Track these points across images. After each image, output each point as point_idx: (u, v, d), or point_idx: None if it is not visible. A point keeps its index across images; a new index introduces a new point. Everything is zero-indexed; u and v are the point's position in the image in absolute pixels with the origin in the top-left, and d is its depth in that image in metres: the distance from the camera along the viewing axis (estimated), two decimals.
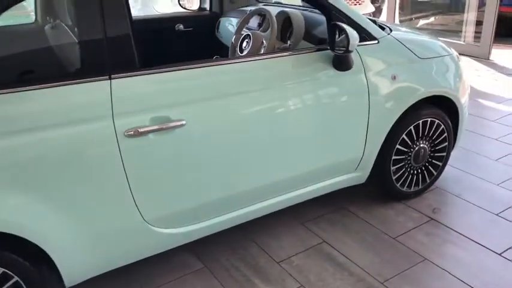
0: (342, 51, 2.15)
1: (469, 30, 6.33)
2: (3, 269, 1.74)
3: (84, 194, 1.82)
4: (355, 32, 2.15)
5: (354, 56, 2.34)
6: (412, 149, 2.74)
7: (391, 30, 2.65)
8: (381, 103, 2.48)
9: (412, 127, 2.68)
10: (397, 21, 7.43)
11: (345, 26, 2.13)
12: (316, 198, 2.61)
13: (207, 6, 3.56)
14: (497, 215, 2.73)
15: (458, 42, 6.34)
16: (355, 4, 7.02)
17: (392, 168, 2.73)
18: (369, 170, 2.65)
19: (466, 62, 5.79)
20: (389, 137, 2.61)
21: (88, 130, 1.78)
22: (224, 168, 2.13)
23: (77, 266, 1.93)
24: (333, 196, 2.78)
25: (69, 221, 1.81)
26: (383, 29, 2.67)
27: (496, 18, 5.64)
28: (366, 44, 2.42)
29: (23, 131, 1.67)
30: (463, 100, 2.83)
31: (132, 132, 1.84)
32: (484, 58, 5.91)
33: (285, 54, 2.28)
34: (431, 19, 7.79)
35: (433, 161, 2.90)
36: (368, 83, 2.40)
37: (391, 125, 2.56)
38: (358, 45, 2.36)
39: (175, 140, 1.95)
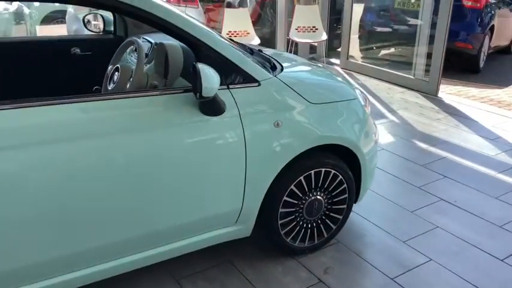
0: (197, 96, 1.90)
1: (419, 63, 6.19)
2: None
3: None
4: (215, 74, 1.90)
5: (227, 99, 2.09)
6: (303, 201, 2.49)
7: (282, 70, 2.42)
8: (261, 152, 2.22)
9: (302, 178, 2.42)
10: (355, 49, 7.28)
11: (201, 67, 1.87)
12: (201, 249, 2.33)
13: (112, 29, 3.29)
14: (393, 279, 2.47)
15: (408, 76, 6.18)
16: (309, 32, 6.82)
17: (281, 221, 2.46)
18: (252, 223, 2.38)
19: (412, 98, 5.64)
20: (274, 187, 2.34)
21: None
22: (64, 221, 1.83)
23: None
24: (220, 247, 2.50)
25: None
26: (274, 68, 2.44)
27: (443, 53, 5.49)
28: (243, 87, 2.17)
29: None
30: (366, 149, 2.59)
31: None
32: (431, 94, 5.75)
33: (144, 94, 2.01)
34: (390, 50, 7.67)
35: (331, 213, 2.65)
36: (244, 130, 2.14)
37: (274, 176, 2.30)
38: (234, 88, 2.13)
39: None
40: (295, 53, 7.11)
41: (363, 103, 2.66)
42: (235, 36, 6.33)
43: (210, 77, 1.87)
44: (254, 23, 7.91)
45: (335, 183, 2.56)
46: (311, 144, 2.35)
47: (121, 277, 2.27)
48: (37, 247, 1.81)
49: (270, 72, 2.33)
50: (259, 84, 2.21)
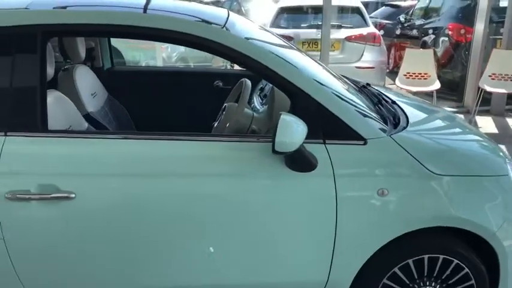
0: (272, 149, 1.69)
1: None
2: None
3: None
4: (298, 128, 1.68)
5: (321, 155, 1.84)
6: None
7: (405, 128, 2.04)
8: (357, 222, 1.89)
9: (410, 261, 1.99)
10: None
11: (283, 118, 1.67)
12: None
13: None
14: None
15: None
16: (419, 79, 5.86)
17: None
18: None
19: None
20: (371, 264, 1.97)
21: None
22: (122, 262, 1.85)
23: None
24: None
25: None
26: (397, 124, 2.07)
27: None
28: (343, 144, 1.88)
29: None
30: (508, 242, 2.00)
31: (10, 196, 1.70)
32: None
33: (231, 139, 1.91)
34: None
35: None
36: (337, 194, 1.85)
37: (371, 252, 1.93)
38: (331, 144, 1.86)
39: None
40: (487, 104, 6.20)
41: None
42: (413, 78, 5.83)
43: (287, 130, 1.66)
44: (444, 65, 7.23)
45: (458, 276, 2.04)
46: (424, 223, 1.92)
47: None
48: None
49: (385, 128, 1.98)
50: (365, 143, 1.88)
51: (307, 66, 2.13)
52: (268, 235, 1.89)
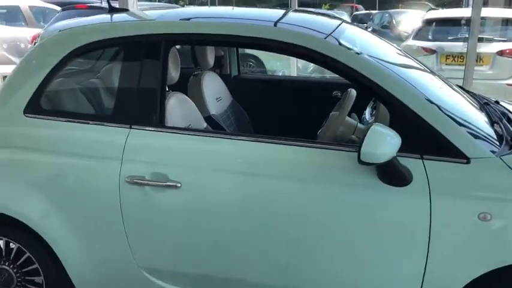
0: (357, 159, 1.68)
1: None
2: None
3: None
4: (389, 139, 1.65)
5: (417, 171, 1.78)
6: None
7: (509, 144, 1.86)
8: (453, 247, 1.78)
9: None
10: None
11: (373, 128, 1.65)
12: None
13: None
14: None
15: None
16: None
17: None
18: None
19: None
20: None
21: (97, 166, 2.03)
22: (220, 247, 2.00)
23: None
24: None
25: None
26: (501, 141, 1.90)
27: None
28: (443, 161, 1.78)
29: None
30: None
31: (129, 180, 1.98)
32: None
33: (325, 146, 1.94)
34: None
35: None
36: (431, 213, 1.76)
37: (464, 284, 1.79)
38: (429, 160, 1.79)
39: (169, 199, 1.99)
40: None
41: None
42: None
43: (376, 141, 1.64)
44: None
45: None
46: None
47: None
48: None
49: (495, 149, 1.83)
50: (468, 162, 1.76)
51: (415, 77, 2.06)
52: (357, 248, 1.87)
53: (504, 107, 2.44)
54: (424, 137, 1.80)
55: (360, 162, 1.67)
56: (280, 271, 1.97)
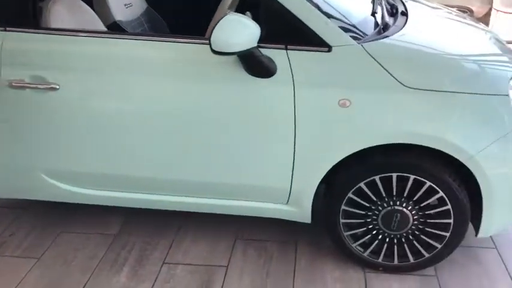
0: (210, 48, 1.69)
1: None
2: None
3: None
4: (241, 28, 1.66)
5: (282, 61, 1.81)
6: (379, 207, 1.98)
7: (378, 32, 1.91)
8: (316, 132, 1.86)
9: (377, 178, 1.92)
10: None
11: (227, 17, 1.65)
12: (282, 223, 2.20)
13: None
14: None
15: None
16: None
17: (344, 220, 2.05)
18: (308, 209, 2.05)
19: None
20: (337, 178, 1.96)
21: None
22: (104, 146, 2.06)
23: None
24: (298, 227, 2.31)
25: None
26: (382, 31, 1.93)
27: None
28: (305, 50, 1.81)
29: None
30: (496, 168, 1.81)
31: (7, 84, 1.99)
32: None
33: (197, 41, 1.93)
34: None
35: (425, 237, 2.02)
36: (296, 102, 1.83)
37: (331, 163, 1.90)
38: (293, 50, 1.81)
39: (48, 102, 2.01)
40: None
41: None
42: None
43: (228, 30, 1.64)
44: None
45: (432, 199, 1.92)
46: (389, 139, 1.82)
47: (191, 224, 2.46)
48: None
49: (360, 36, 1.85)
50: (329, 50, 1.80)
51: None
52: (228, 138, 1.94)
53: (400, 1, 2.45)
54: (287, 27, 1.81)
55: (213, 52, 1.68)
56: (162, 164, 2.06)
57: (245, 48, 1.69)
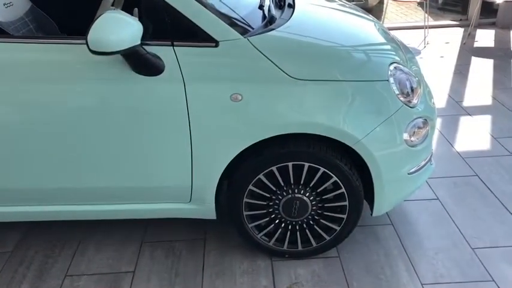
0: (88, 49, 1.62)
1: None
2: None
3: None
4: (127, 24, 1.60)
5: (169, 58, 1.78)
6: (279, 197, 2.02)
7: (265, 25, 1.94)
8: (211, 128, 1.85)
9: (274, 168, 1.96)
10: None
11: (105, 14, 1.58)
12: (189, 221, 2.18)
13: None
14: None
15: None
16: None
17: (247, 212, 2.07)
18: (212, 205, 2.05)
19: None
20: (236, 172, 1.97)
21: None
22: None
23: None
24: (205, 225, 2.30)
25: None
26: (269, 23, 1.96)
27: None
28: (192, 46, 1.80)
29: None
30: (381, 149, 1.92)
31: None
32: None
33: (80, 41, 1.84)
34: None
35: (324, 221, 2.10)
36: (187, 99, 1.81)
37: (228, 158, 1.91)
38: (180, 46, 1.79)
39: None
40: (494, 16, 5.66)
41: (396, 90, 1.93)
42: None
43: (106, 28, 1.58)
44: None
45: (326, 184, 2.00)
46: (278, 130, 1.85)
47: (94, 233, 2.37)
48: None
49: (246, 30, 1.87)
50: (216, 45, 1.80)
51: None
52: (123, 140, 1.88)
53: None
54: (173, 23, 1.77)
55: (92, 52, 1.61)
56: (56, 172, 1.95)
57: (127, 47, 1.63)
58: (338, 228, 2.10)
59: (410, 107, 1.96)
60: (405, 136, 1.96)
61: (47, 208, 2.07)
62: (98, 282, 2.09)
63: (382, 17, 5.82)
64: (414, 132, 2.00)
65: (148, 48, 1.75)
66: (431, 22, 6.06)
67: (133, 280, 2.10)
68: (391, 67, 1.98)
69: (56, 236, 2.36)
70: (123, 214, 2.11)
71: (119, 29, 1.60)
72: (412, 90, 2.01)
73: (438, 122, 3.40)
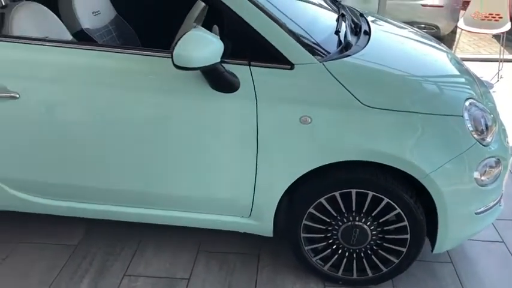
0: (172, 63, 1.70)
1: None
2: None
3: None
4: (206, 43, 1.67)
5: (245, 77, 1.83)
6: (339, 222, 2.01)
7: (340, 51, 1.96)
8: (277, 147, 1.88)
9: (337, 194, 1.95)
10: None
11: (191, 32, 1.66)
12: (244, 235, 2.20)
13: None
14: None
15: None
16: (489, 20, 5.08)
17: (305, 235, 2.08)
18: (270, 223, 2.07)
19: None
20: (297, 193, 1.99)
21: None
22: (64, 155, 2.05)
23: None
24: (260, 240, 2.32)
25: None
26: (344, 50, 1.97)
27: None
28: (269, 67, 1.84)
29: None
30: (449, 185, 1.87)
31: None
32: None
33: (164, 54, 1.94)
34: None
35: (382, 252, 2.06)
36: (258, 117, 1.85)
37: (292, 179, 1.93)
38: (256, 66, 1.84)
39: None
40: None
41: (470, 127, 1.88)
42: (482, 19, 5.23)
43: (191, 45, 1.65)
44: None
45: (389, 215, 1.97)
46: (345, 156, 1.85)
47: (153, 236, 2.44)
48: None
49: (322, 55, 1.90)
50: (291, 68, 1.83)
51: None
52: (193, 151, 1.95)
53: (365, 20, 2.51)
54: (251, 44, 1.83)
55: (176, 66, 1.69)
56: (126, 175, 2.06)
57: (208, 64, 1.71)
58: (396, 261, 2.06)
59: (484, 145, 1.90)
60: (476, 175, 1.90)
61: (117, 208, 2.17)
62: (154, 285, 2.16)
63: (454, 47, 5.67)
64: (485, 172, 1.93)
65: (227, 66, 1.82)
66: (507, 55, 5.82)
67: (188, 287, 2.15)
68: (467, 103, 1.93)
69: (117, 236, 2.46)
70: (185, 221, 2.18)
71: (202, 46, 1.67)
72: (487, 127, 1.95)
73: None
